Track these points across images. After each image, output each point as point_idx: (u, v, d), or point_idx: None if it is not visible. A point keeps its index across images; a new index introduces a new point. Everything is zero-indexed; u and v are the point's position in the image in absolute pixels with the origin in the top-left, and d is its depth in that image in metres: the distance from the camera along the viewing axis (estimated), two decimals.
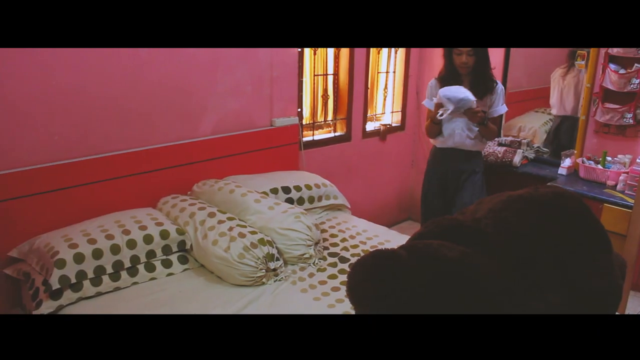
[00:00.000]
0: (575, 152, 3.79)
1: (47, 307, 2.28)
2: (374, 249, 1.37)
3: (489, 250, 1.37)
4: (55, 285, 2.27)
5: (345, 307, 2.30)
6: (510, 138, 4.18)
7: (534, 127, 4.26)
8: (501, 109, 3.19)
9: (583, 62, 3.71)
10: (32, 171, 2.59)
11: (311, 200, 3.21)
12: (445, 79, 3.16)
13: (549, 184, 3.42)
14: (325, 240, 2.96)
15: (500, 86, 3.16)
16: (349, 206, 3.46)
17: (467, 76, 3.13)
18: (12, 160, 2.55)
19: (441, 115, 2.97)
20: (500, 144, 4.12)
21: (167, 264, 2.60)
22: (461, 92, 2.93)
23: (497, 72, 4.12)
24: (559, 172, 3.74)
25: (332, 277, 2.59)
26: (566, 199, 1.50)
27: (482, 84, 3.11)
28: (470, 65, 3.05)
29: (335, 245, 2.92)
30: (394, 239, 3.02)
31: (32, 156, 2.60)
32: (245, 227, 2.62)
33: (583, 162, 3.63)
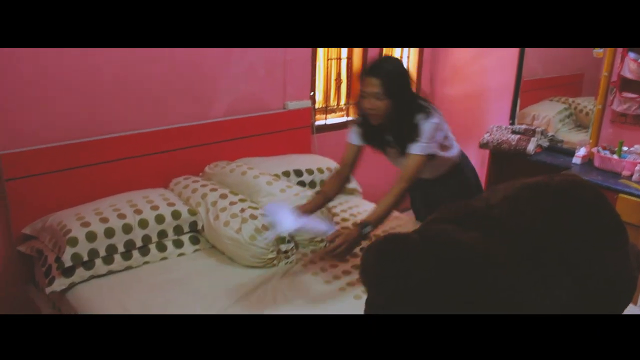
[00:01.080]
0: (591, 141, 3.75)
1: (59, 284, 2.30)
2: (387, 233, 1.36)
3: (502, 237, 1.36)
4: (68, 263, 2.29)
5: (356, 291, 2.29)
6: (524, 126, 4.13)
7: (547, 115, 4.21)
8: (415, 147, 2.25)
9: (601, 51, 3.65)
10: (45, 149, 2.60)
11: (323, 183, 3.20)
12: (360, 127, 2.43)
13: (563, 172, 3.39)
14: (336, 224, 2.96)
15: (427, 123, 2.24)
16: (361, 190, 3.45)
17: (386, 125, 2.31)
18: (26, 138, 2.56)
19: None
20: (514, 132, 4.08)
21: (178, 244, 2.61)
22: (283, 216, 2.14)
23: (512, 61, 4.08)
24: (573, 161, 3.70)
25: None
26: (582, 188, 1.49)
27: (406, 136, 2.28)
28: (383, 111, 2.21)
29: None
30: (405, 223, 3.01)
31: (45, 135, 2.61)
32: (257, 208, 2.62)
33: (598, 151, 3.58)
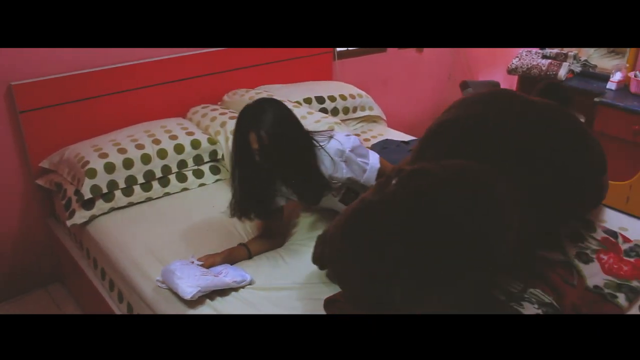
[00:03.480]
0: (627, 65, 3.55)
1: (80, 217, 2.27)
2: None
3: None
4: (87, 195, 2.24)
5: None
6: (555, 50, 3.93)
7: None
8: (370, 172, 2.07)
9: None
10: (58, 79, 2.51)
11: (346, 111, 3.08)
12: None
13: (595, 99, 3.26)
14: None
15: (333, 148, 2.05)
16: (385, 118, 3.34)
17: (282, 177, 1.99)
18: (38, 68, 2.48)
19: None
20: (544, 57, 3.89)
21: (198, 174, 2.54)
22: (182, 277, 1.75)
23: None
24: (608, 86, 3.52)
25: None
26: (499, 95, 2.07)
27: (310, 187, 2.01)
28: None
29: None
30: None
31: (58, 65, 2.52)
32: None
33: (636, 76, 3.40)
